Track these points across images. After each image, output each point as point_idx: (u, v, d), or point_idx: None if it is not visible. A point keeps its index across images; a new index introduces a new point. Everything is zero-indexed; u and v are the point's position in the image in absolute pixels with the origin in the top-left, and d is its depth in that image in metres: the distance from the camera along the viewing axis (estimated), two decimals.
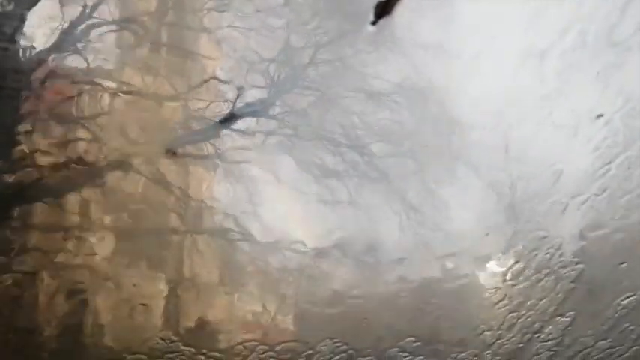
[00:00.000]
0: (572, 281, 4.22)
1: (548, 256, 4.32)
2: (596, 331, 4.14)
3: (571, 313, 4.21)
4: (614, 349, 4.14)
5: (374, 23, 3.86)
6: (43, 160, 6.15)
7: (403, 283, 5.35)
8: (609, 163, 4.19)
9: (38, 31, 5.99)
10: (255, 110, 6.50)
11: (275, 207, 6.13)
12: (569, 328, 4.20)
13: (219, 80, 6.44)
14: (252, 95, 6.44)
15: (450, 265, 5.03)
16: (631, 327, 4.07)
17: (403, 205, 6.37)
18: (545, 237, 4.32)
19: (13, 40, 5.68)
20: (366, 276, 5.72)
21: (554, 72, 4.41)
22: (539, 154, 4.53)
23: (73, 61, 6.41)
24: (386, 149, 6.60)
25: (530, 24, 4.54)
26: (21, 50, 5.98)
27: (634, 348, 4.10)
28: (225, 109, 6.27)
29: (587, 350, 4.17)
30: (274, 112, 6.60)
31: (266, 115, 6.58)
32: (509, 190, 4.77)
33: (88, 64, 6.23)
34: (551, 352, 4.26)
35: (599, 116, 4.14)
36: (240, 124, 6.44)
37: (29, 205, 6.02)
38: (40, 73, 6.11)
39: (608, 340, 4.14)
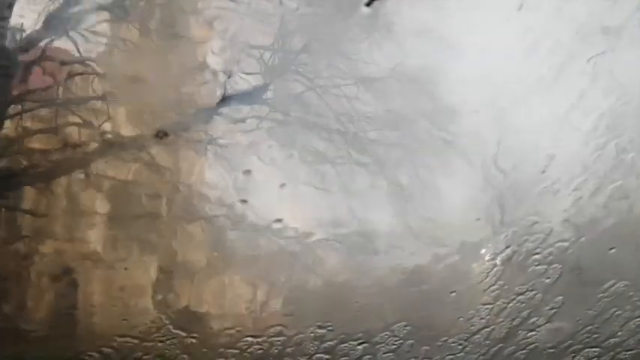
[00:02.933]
0: (561, 267, 4.25)
1: (538, 242, 4.35)
2: (583, 316, 4.18)
3: (559, 298, 4.24)
4: (601, 334, 4.19)
5: (368, 4, 3.83)
6: (33, 145, 6.11)
7: (394, 268, 5.37)
8: (600, 149, 4.21)
9: (28, 11, 5.92)
10: (247, 95, 6.47)
11: (266, 192, 6.12)
12: (557, 313, 4.23)
13: (211, 65, 6.42)
14: (244, 80, 6.41)
15: (440, 251, 5.05)
16: (618, 312, 4.11)
17: (395, 191, 6.38)
18: (535, 223, 4.34)
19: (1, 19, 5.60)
20: (358, 262, 5.74)
21: (546, 58, 4.42)
22: (530, 140, 4.54)
23: (63, 44, 6.35)
24: (378, 136, 6.59)
25: (523, 11, 4.54)
26: (10, 31, 5.91)
27: (620, 333, 4.14)
28: (217, 94, 6.25)
29: (575, 335, 4.21)
30: (266, 97, 6.58)
31: (258, 100, 6.55)
32: (501, 177, 4.79)
33: (78, 47, 6.17)
34: (540, 337, 4.30)
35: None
36: (231, 109, 6.41)
37: (19, 190, 5.99)
38: (29, 55, 6.05)
39: (595, 326, 4.18)
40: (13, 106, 5.92)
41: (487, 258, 4.60)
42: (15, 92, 5.91)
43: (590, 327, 4.21)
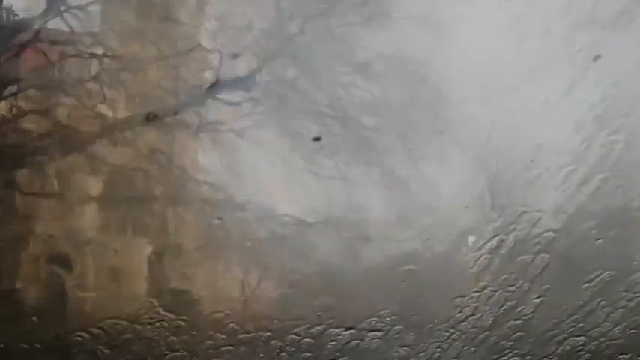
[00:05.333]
0: (548, 256, 4.27)
1: (526, 230, 4.36)
2: (569, 305, 4.21)
3: (546, 287, 4.27)
4: (586, 324, 4.22)
5: None
6: (27, 126, 6.10)
7: (384, 255, 5.39)
8: (589, 140, 4.21)
9: None
10: (242, 79, 6.44)
11: (260, 178, 6.12)
12: (543, 301, 4.26)
13: (205, 48, 6.38)
14: (238, 64, 6.38)
15: (430, 238, 5.07)
16: (603, 302, 4.14)
17: (388, 178, 6.39)
18: (523, 212, 4.36)
19: None
20: (349, 248, 5.76)
21: (539, 48, 4.41)
22: (521, 129, 4.54)
23: (59, 25, 6.31)
24: (373, 123, 6.58)
25: (515, 1, 4.53)
26: (4, 11, 5.88)
27: (605, 323, 4.17)
28: (211, 77, 6.22)
29: (561, 324, 4.24)
30: (261, 81, 6.55)
31: (252, 84, 6.52)
32: (491, 166, 4.79)
33: (72, 29, 6.13)
34: (526, 325, 4.33)
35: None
36: (226, 93, 6.39)
37: (12, 171, 5.98)
38: (23, 36, 6.01)
39: (580, 315, 4.21)
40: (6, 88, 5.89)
41: (475, 246, 4.61)
42: (8, 74, 5.88)
43: (575, 316, 4.24)
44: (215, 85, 6.14)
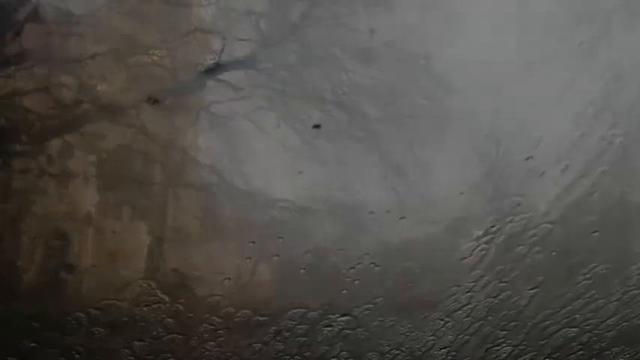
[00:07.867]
0: (544, 248, 4.28)
1: (523, 222, 4.37)
2: (562, 297, 4.23)
3: (541, 278, 4.29)
4: (580, 316, 4.24)
5: None
6: (25, 104, 6.08)
7: (382, 243, 5.41)
8: (589, 132, 4.20)
9: None
10: (243, 62, 6.41)
11: (260, 162, 6.12)
12: (538, 293, 4.28)
13: (207, 31, 6.34)
14: (240, 47, 6.35)
15: (428, 227, 5.09)
16: (597, 295, 4.16)
17: (388, 166, 6.38)
18: (521, 204, 4.36)
19: None
20: (347, 234, 5.78)
21: (540, 39, 4.38)
22: (520, 120, 4.53)
23: (59, 3, 6.27)
24: (374, 109, 6.55)
25: None
26: None
27: (598, 315, 4.19)
28: (212, 60, 6.19)
29: (554, 315, 4.27)
30: (263, 65, 6.52)
31: (254, 68, 6.49)
32: (491, 156, 4.79)
33: (72, 6, 6.09)
34: (520, 315, 4.36)
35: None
36: (227, 77, 6.36)
37: (10, 150, 5.97)
38: (23, 13, 5.97)
39: (575, 307, 4.24)
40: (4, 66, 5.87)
41: (473, 236, 4.63)
42: (7, 52, 5.86)
43: (569, 308, 4.27)
44: (216, 69, 6.11)
